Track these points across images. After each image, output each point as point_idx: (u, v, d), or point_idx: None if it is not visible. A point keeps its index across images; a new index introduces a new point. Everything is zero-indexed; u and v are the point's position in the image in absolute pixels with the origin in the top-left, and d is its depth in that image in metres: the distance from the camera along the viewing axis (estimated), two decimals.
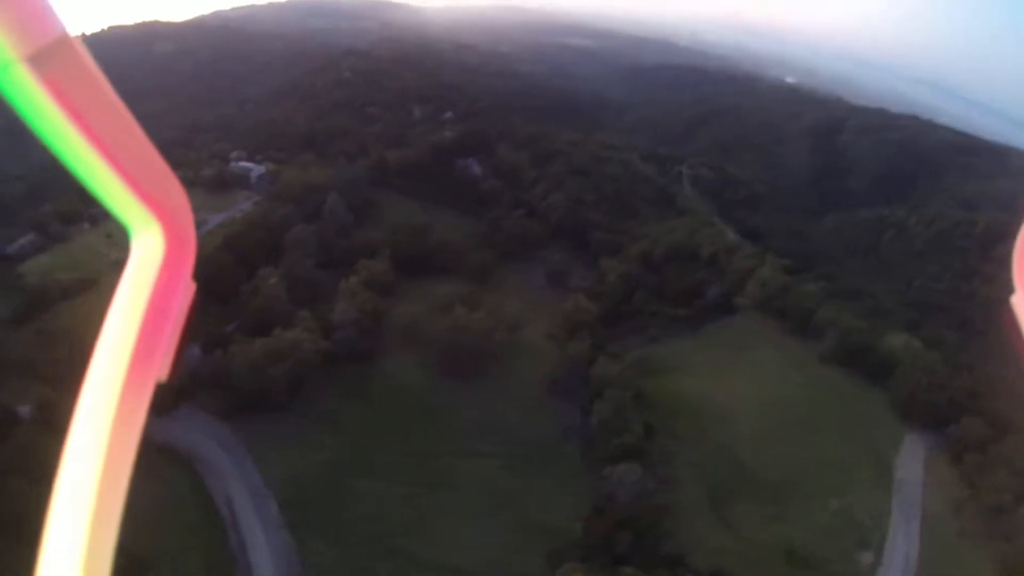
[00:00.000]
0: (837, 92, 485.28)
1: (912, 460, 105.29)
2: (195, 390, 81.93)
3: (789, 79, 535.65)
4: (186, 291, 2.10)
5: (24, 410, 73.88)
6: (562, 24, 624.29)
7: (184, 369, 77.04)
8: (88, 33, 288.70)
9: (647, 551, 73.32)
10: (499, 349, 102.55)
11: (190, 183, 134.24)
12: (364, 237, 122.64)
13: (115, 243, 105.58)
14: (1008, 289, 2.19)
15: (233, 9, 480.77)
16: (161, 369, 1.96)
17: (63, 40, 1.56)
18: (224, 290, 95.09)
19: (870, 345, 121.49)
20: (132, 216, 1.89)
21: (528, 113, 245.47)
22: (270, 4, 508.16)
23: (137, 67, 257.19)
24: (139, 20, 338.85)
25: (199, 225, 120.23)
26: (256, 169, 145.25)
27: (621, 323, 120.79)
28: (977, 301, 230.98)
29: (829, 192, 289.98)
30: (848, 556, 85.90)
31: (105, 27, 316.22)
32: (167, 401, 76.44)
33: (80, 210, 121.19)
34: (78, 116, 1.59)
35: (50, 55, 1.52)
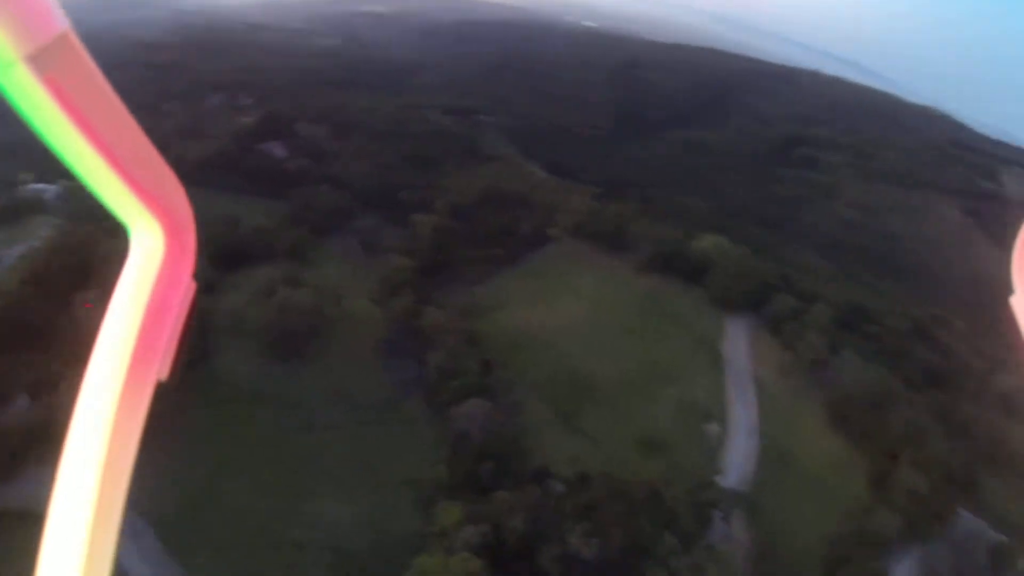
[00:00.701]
0: (636, 31, 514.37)
1: (736, 341, 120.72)
2: (31, 445, 71.97)
3: (587, 23, 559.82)
4: (186, 290, 2.20)
5: None
6: None
7: (15, 425, 72.77)
8: None
9: (512, 474, 78.54)
10: (327, 323, 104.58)
11: None
12: None
13: None
14: (1008, 289, 2.20)
15: None
16: (162, 368, 2.03)
17: (63, 39, 1.60)
18: (39, 328, 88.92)
19: (682, 250, 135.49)
20: (132, 215, 1.95)
21: (326, 86, 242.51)
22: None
23: None
24: None
25: None
26: (50, 189, 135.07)
27: (441, 274, 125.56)
28: (777, 199, 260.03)
29: (631, 123, 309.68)
30: (696, 432, 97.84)
31: None
32: (5, 465, 70.37)
33: None
34: (78, 115, 1.64)
35: (50, 54, 1.55)
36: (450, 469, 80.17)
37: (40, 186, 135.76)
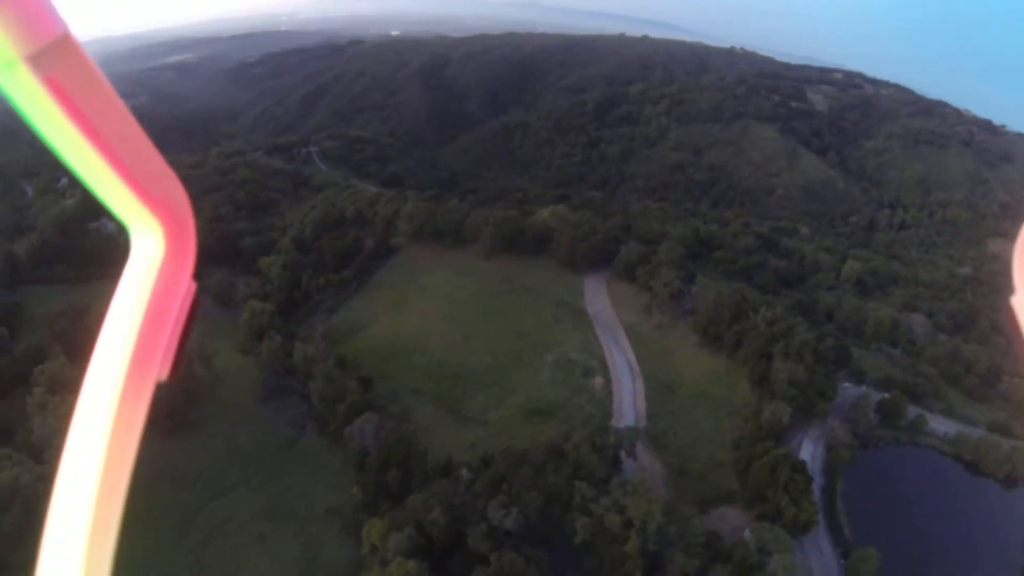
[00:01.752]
0: (439, 31, 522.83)
1: (597, 296, 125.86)
2: None
3: (394, 32, 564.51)
4: (187, 291, 2.14)
5: None
6: (155, 44, 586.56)
7: None
8: None
9: (419, 475, 78.38)
10: (204, 385, 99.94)
11: None
12: (26, 344, 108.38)
13: None
14: (1008, 290, 2.27)
15: None
16: (161, 369, 2.05)
17: (64, 39, 1.61)
18: None
19: (522, 227, 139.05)
20: (133, 216, 1.96)
21: None
22: None
23: None
24: None
25: None
26: None
27: (299, 308, 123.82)
28: (608, 163, 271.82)
29: (451, 120, 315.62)
30: (582, 388, 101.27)
31: None
32: None
33: None
34: (79, 115, 1.66)
35: (51, 54, 1.57)
36: (361, 488, 79.31)
37: None
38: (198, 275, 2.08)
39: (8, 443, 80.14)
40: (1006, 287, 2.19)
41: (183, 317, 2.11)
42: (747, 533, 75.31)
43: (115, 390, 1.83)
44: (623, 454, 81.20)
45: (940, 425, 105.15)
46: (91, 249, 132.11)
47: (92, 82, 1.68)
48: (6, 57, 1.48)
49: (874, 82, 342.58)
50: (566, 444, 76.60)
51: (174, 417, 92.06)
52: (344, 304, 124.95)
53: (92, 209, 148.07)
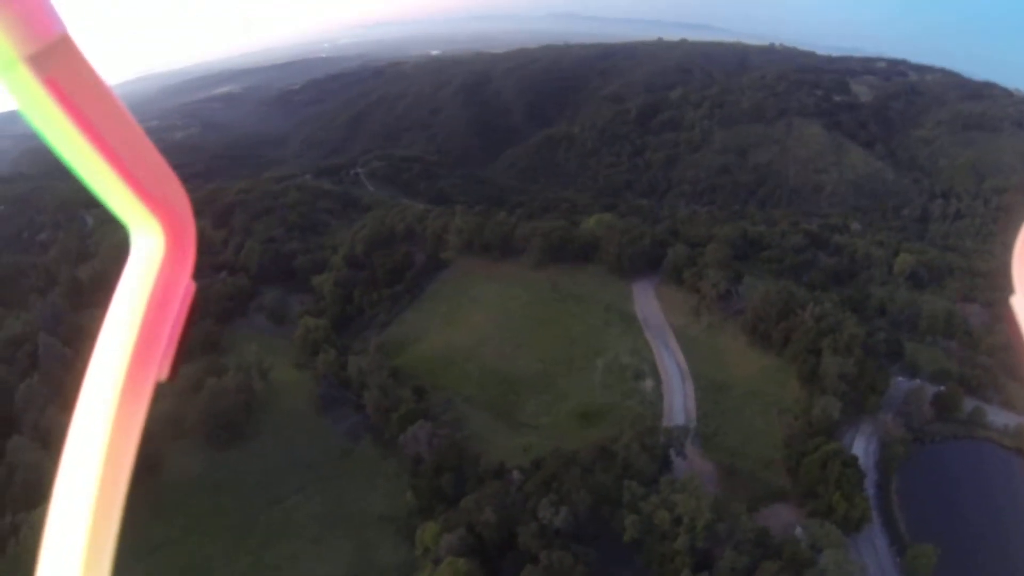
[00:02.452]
0: (478, 48, 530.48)
1: (645, 300, 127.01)
2: None
3: (433, 52, 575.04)
4: (186, 291, 2.18)
5: None
6: (203, 78, 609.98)
7: None
8: None
9: (472, 479, 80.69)
10: (260, 398, 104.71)
11: None
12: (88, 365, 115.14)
13: None
14: (1008, 290, 2.26)
15: None
16: (161, 369, 2.04)
17: (64, 40, 1.63)
18: None
19: (570, 236, 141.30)
20: (133, 216, 1.96)
21: (194, 179, 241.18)
22: None
23: None
24: None
25: None
26: None
27: (353, 323, 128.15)
28: (654, 170, 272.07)
29: (496, 136, 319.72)
30: (632, 391, 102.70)
31: None
32: None
33: None
34: (79, 116, 1.66)
35: (51, 55, 1.58)
36: (415, 493, 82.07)
37: None
38: (197, 275, 2.11)
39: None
40: (1006, 287, 2.24)
41: (183, 317, 2.16)
42: (798, 530, 75.46)
43: (115, 389, 1.86)
44: (673, 453, 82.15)
45: (999, 417, 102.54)
46: None
47: (92, 83, 1.70)
48: (6, 58, 1.50)
49: (919, 68, 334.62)
50: (615, 444, 78.04)
51: (233, 427, 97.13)
52: (396, 318, 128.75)
53: None
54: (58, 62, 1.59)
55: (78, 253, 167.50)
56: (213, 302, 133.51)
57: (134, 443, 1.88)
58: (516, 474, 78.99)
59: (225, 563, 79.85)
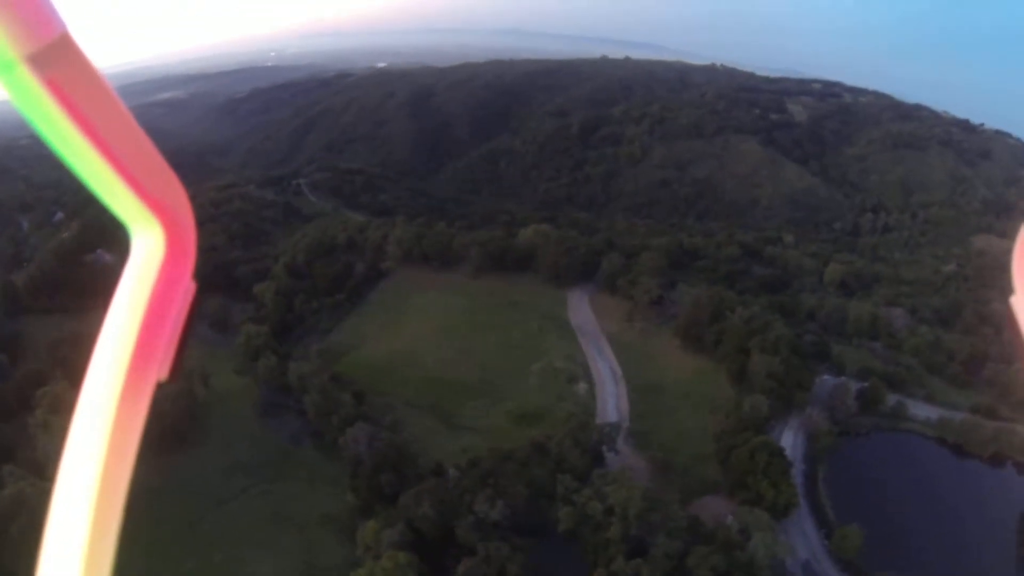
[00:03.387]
0: (424, 62, 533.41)
1: (580, 308, 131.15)
2: None
3: (380, 64, 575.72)
4: (186, 291, 2.16)
5: None
6: (145, 82, 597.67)
7: None
8: None
9: (411, 478, 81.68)
10: (202, 405, 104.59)
11: None
12: (27, 369, 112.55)
13: None
14: (1008, 290, 2.25)
15: None
16: (161, 369, 2.02)
17: (64, 40, 1.62)
18: None
19: (507, 247, 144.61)
20: (133, 216, 1.96)
21: None
22: None
23: None
24: None
25: None
26: None
27: (293, 331, 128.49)
28: (594, 183, 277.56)
29: (439, 149, 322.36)
30: (567, 394, 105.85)
31: None
32: None
33: None
34: (79, 115, 1.66)
35: (51, 55, 1.57)
36: (356, 493, 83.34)
37: None
38: (197, 280, 2.20)
39: (11, 461, 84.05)
40: (1002, 285, 2.32)
41: (183, 317, 2.16)
42: (729, 518, 78.90)
43: (115, 390, 1.86)
44: (605, 450, 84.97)
45: (922, 411, 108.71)
46: (87, 279, 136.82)
47: (92, 82, 1.70)
48: (6, 58, 1.51)
49: (853, 90, 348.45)
50: (549, 442, 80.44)
51: (176, 433, 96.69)
52: (337, 326, 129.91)
53: (88, 241, 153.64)
54: (58, 62, 1.60)
55: (13, 258, 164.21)
56: None
57: (135, 443, 1.90)
58: (453, 471, 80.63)
59: (170, 563, 79.60)
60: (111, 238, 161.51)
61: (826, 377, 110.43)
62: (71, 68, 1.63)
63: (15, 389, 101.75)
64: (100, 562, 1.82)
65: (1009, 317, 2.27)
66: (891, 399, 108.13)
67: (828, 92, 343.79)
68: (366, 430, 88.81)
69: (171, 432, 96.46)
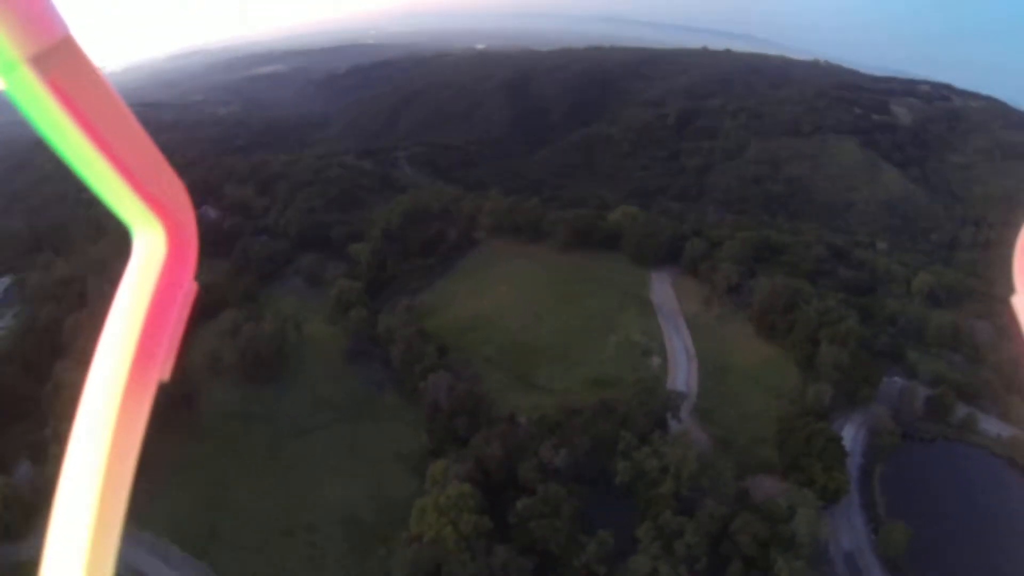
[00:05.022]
0: (525, 45, 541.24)
1: (661, 288, 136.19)
2: (40, 503, 76.36)
3: (479, 46, 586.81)
4: (188, 291, 2.21)
5: None
6: (249, 56, 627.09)
7: (23, 487, 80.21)
8: None
9: (484, 425, 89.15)
10: (292, 346, 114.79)
11: None
12: None
13: None
14: (1009, 289, 2.29)
15: None
16: (163, 369, 2.06)
17: (66, 41, 1.66)
18: (26, 399, 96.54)
19: (596, 226, 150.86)
20: (135, 216, 1.99)
21: (240, 152, 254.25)
22: None
23: None
24: None
25: None
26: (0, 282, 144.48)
27: (385, 290, 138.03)
28: (688, 175, 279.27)
29: (535, 132, 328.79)
30: (640, 365, 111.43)
31: None
32: (20, 524, 77.50)
33: None
34: (81, 116, 1.69)
35: (53, 56, 1.61)
36: (430, 435, 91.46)
37: None
38: (197, 274, 2.25)
39: None
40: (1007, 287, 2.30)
41: (185, 317, 2.19)
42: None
43: (118, 390, 1.88)
44: (669, 416, 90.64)
45: (994, 427, 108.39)
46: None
47: (94, 84, 1.73)
48: (9, 59, 1.53)
49: (963, 94, 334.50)
50: (616, 402, 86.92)
51: (266, 368, 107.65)
52: (426, 288, 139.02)
53: (198, 196, 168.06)
54: (60, 63, 1.63)
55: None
56: (254, 261, 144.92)
57: (137, 443, 1.93)
58: (524, 420, 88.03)
59: (251, 481, 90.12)
60: (217, 195, 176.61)
61: (896, 379, 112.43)
62: (73, 69, 1.67)
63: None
64: (103, 562, 1.85)
65: (1010, 317, 2.36)
66: (961, 410, 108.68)
67: (936, 95, 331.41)
68: (446, 378, 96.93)
69: (262, 366, 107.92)
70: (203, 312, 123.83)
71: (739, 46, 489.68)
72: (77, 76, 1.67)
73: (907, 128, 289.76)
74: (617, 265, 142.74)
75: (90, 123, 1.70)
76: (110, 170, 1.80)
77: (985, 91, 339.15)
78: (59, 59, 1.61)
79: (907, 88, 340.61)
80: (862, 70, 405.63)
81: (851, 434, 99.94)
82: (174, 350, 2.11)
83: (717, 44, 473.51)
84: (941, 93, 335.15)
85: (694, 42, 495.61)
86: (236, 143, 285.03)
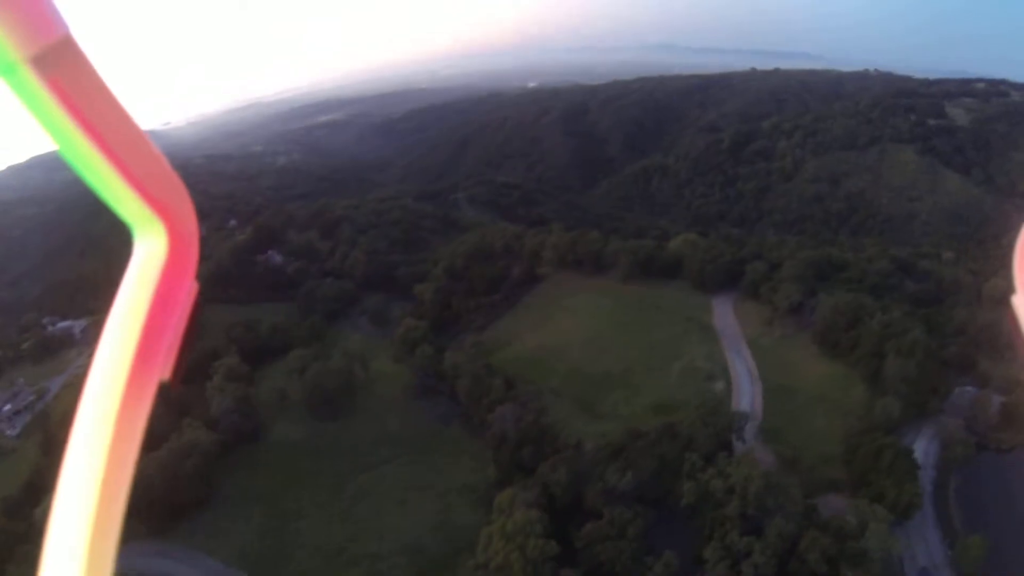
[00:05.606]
0: (575, 80, 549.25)
1: (723, 313, 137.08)
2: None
3: (531, 84, 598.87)
4: (189, 291, 2.23)
5: None
6: (306, 106, 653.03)
7: None
8: None
9: (551, 453, 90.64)
10: (359, 383, 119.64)
11: (11, 361, 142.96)
12: (206, 346, 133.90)
13: None
14: (1009, 289, 2.29)
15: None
16: (164, 369, 2.06)
17: (66, 41, 1.66)
18: None
19: (657, 255, 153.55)
20: (135, 216, 1.99)
21: (301, 199, 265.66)
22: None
23: None
24: None
25: (42, 395, 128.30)
26: (78, 324, 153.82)
27: (451, 328, 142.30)
28: (746, 200, 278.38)
29: (593, 165, 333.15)
30: (704, 389, 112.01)
31: None
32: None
33: None
34: (81, 116, 1.70)
35: (53, 56, 1.62)
36: (497, 466, 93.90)
37: (67, 322, 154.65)
38: (199, 277, 2.27)
39: (188, 415, 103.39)
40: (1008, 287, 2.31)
41: (186, 318, 2.20)
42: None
43: (118, 389, 1.87)
44: (734, 438, 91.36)
45: None
46: (259, 275, 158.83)
47: (94, 84, 1.73)
48: (9, 59, 1.54)
49: (1022, 88, 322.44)
50: (681, 424, 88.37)
51: (333, 404, 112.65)
52: (491, 324, 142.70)
53: (260, 243, 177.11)
54: (61, 63, 1.64)
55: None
56: (319, 302, 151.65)
57: (136, 444, 1.92)
58: (589, 446, 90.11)
59: (317, 512, 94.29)
60: (281, 240, 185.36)
61: (967, 388, 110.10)
62: (73, 70, 1.68)
63: (196, 360, 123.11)
64: (102, 562, 1.84)
65: (1011, 316, 2.35)
66: None
67: (993, 91, 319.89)
68: (513, 410, 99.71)
69: (330, 402, 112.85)
70: (271, 351, 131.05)
71: (788, 64, 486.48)
72: (77, 76, 1.68)
73: (966, 129, 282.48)
74: (679, 293, 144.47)
75: (90, 123, 1.72)
76: (110, 170, 1.81)
77: None
78: (59, 59, 1.63)
79: (962, 88, 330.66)
80: (914, 75, 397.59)
81: (922, 447, 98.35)
82: (175, 350, 2.15)
83: (765, 64, 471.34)
84: (998, 89, 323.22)
85: (743, 64, 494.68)
86: (297, 191, 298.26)
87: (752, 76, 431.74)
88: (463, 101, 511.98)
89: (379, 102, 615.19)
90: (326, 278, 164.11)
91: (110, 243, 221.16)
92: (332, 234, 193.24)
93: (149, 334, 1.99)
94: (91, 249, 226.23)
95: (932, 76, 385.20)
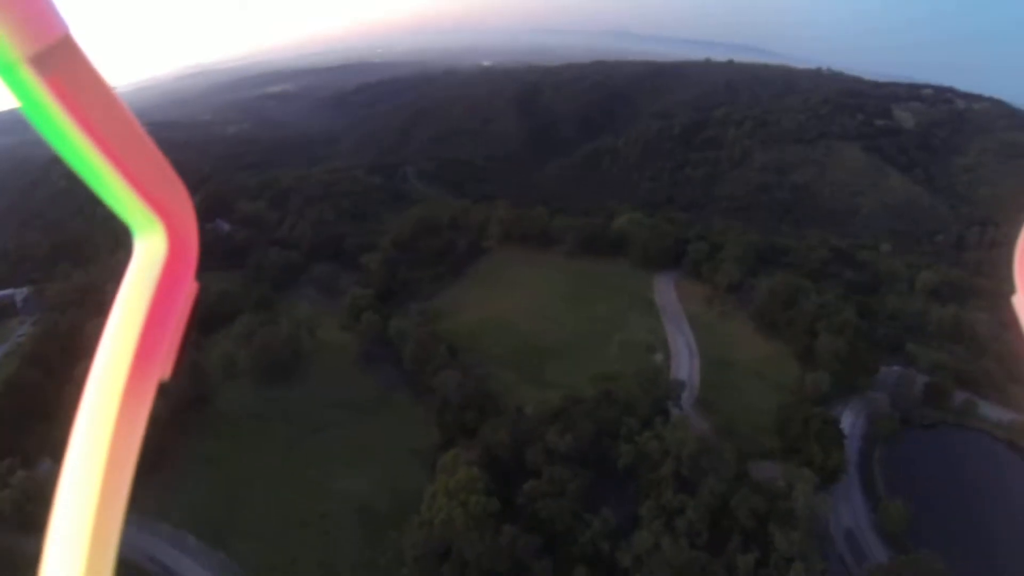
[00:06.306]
0: (531, 61, 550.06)
1: (665, 290, 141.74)
2: None
3: (485, 63, 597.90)
4: (189, 291, 2.20)
5: None
6: (257, 75, 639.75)
7: (45, 482, 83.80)
8: None
9: (493, 416, 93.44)
10: (306, 351, 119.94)
11: None
12: None
13: None
14: (1009, 289, 2.30)
15: None
16: (164, 368, 2.06)
17: (66, 41, 1.67)
18: (47, 400, 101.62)
19: (602, 233, 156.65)
20: (135, 216, 2.01)
21: (251, 168, 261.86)
22: None
23: None
24: None
25: None
26: (19, 293, 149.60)
27: (396, 296, 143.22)
28: (695, 185, 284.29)
29: (543, 146, 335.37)
30: (644, 361, 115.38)
31: None
32: (40, 517, 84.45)
33: None
34: (81, 116, 1.71)
35: (53, 56, 1.63)
36: (441, 429, 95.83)
37: (8, 291, 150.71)
38: (199, 276, 2.26)
39: None
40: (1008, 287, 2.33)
41: (186, 317, 2.20)
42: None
43: (118, 389, 1.89)
44: (670, 405, 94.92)
45: (994, 413, 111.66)
46: (207, 244, 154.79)
47: (93, 83, 1.74)
48: (8, 58, 1.54)
49: (967, 97, 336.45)
50: (619, 390, 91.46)
51: (280, 370, 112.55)
52: (437, 295, 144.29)
53: (208, 211, 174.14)
54: (60, 63, 1.65)
55: None
56: (267, 271, 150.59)
57: (137, 442, 1.94)
58: (530, 410, 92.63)
59: (267, 475, 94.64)
60: (230, 210, 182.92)
61: (895, 368, 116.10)
62: (73, 69, 1.69)
63: None
64: (102, 562, 1.86)
65: (1011, 316, 2.38)
66: (960, 397, 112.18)
67: (939, 98, 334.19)
68: (456, 375, 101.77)
69: (277, 368, 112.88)
70: (219, 319, 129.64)
71: (742, 57, 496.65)
72: (76, 76, 1.70)
73: (911, 132, 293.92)
74: (623, 270, 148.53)
75: (90, 123, 1.73)
76: (110, 170, 1.82)
77: (988, 93, 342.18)
78: (59, 59, 1.65)
79: (910, 92, 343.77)
80: (865, 76, 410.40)
81: (850, 420, 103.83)
82: (175, 349, 2.15)
83: (720, 56, 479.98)
84: (944, 96, 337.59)
85: (698, 55, 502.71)
86: (247, 160, 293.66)
87: (706, 66, 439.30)
88: (417, 76, 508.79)
89: (332, 74, 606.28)
90: (274, 247, 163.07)
91: (52, 214, 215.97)
92: (281, 204, 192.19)
93: (149, 333, 2.01)
94: (32, 219, 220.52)
95: (882, 79, 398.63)
